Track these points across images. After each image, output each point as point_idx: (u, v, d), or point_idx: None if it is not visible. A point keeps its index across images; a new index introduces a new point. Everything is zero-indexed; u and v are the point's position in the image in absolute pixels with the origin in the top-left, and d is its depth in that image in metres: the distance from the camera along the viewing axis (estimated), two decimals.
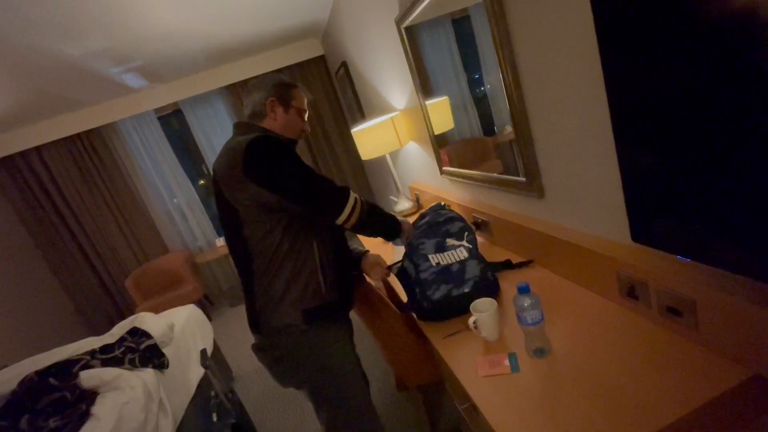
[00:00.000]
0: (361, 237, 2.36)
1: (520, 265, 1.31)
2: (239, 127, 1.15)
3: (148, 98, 3.60)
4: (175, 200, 4.00)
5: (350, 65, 3.16)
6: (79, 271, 3.77)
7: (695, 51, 0.54)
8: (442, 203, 1.52)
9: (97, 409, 1.45)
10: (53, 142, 3.49)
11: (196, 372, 2.07)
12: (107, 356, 1.75)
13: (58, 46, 2.14)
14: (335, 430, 1.19)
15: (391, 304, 1.32)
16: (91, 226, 3.71)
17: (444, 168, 1.89)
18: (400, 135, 2.20)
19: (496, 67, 1.15)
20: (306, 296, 1.09)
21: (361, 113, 3.38)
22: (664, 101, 0.61)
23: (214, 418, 1.60)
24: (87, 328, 3.85)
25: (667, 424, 0.65)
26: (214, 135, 3.90)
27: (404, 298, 1.30)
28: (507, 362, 0.89)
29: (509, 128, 1.25)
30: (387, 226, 1.24)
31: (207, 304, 3.96)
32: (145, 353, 1.78)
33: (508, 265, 1.32)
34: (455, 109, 1.65)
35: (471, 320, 0.99)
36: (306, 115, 1.24)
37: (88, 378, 1.57)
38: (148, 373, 1.68)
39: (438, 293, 1.10)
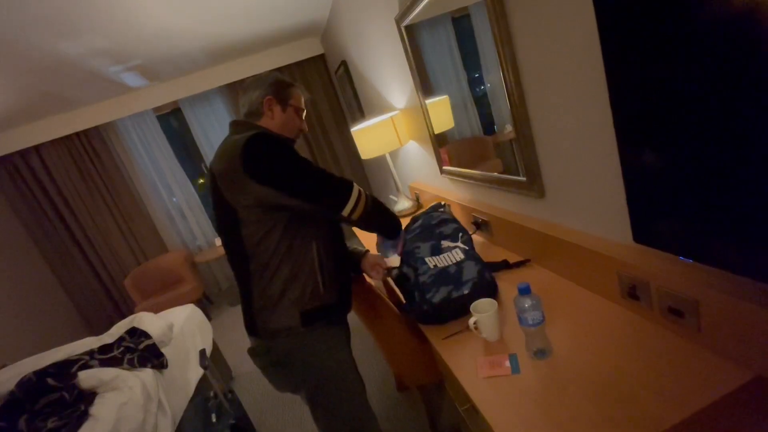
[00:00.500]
0: (360, 236, 2.35)
1: (517, 264, 1.30)
2: (236, 126, 1.13)
3: (147, 97, 3.59)
4: (174, 199, 3.99)
5: (350, 64, 3.15)
6: (78, 271, 3.77)
7: (699, 49, 0.54)
8: (442, 203, 1.52)
9: (95, 409, 1.45)
10: (52, 141, 3.48)
11: (195, 372, 2.07)
12: (106, 356, 1.75)
13: (57, 45, 2.13)
14: None
15: (391, 304, 1.31)
16: (90, 226, 3.70)
17: (444, 167, 1.89)
18: (399, 134, 2.19)
19: (497, 66, 1.15)
20: (304, 298, 1.07)
21: (360, 112, 3.37)
22: (666, 99, 0.61)
23: (213, 419, 1.60)
24: (86, 328, 3.84)
25: (669, 426, 0.64)
26: (214, 134, 3.90)
27: (403, 300, 1.29)
28: (508, 363, 0.89)
29: (509, 127, 1.24)
30: (390, 222, 1.22)
31: (206, 304, 3.96)
32: (144, 353, 1.78)
33: (505, 265, 1.31)
34: (455, 108, 1.64)
35: (471, 321, 0.98)
36: (304, 114, 1.22)
37: (86, 378, 1.57)
38: (147, 374, 1.68)
39: (438, 296, 1.09)
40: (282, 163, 1.01)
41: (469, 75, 1.46)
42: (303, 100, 1.22)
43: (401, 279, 1.21)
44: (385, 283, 1.75)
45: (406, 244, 1.27)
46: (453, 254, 1.18)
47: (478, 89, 1.45)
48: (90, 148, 3.59)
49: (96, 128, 3.57)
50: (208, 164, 3.92)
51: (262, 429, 2.03)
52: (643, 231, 0.75)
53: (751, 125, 0.51)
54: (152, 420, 1.53)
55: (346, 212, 1.06)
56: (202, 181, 4.33)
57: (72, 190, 3.61)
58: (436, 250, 1.20)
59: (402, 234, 1.28)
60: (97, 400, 1.50)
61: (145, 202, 3.85)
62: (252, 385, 2.44)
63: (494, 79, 1.25)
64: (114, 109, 3.54)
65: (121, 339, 1.87)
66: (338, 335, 1.17)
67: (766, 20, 0.45)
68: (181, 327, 2.17)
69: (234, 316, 3.60)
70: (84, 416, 1.42)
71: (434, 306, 1.09)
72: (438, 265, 1.15)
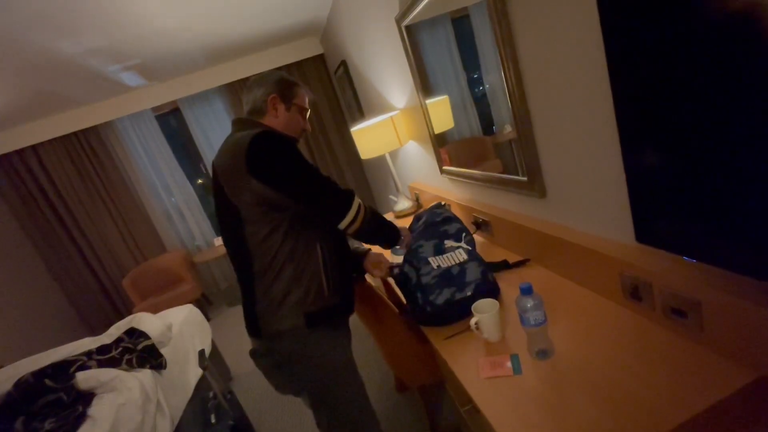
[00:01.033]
0: None
1: (517, 264, 1.30)
2: (238, 124, 1.12)
3: (146, 97, 3.58)
4: (173, 199, 3.98)
5: (350, 64, 3.14)
6: (76, 271, 3.75)
7: (702, 48, 0.53)
8: (442, 202, 1.52)
9: (93, 410, 1.44)
10: (50, 141, 3.46)
11: (194, 372, 2.06)
12: (104, 357, 1.74)
13: (56, 44, 2.12)
14: None
15: (391, 304, 1.31)
16: (89, 225, 3.68)
17: (444, 167, 1.88)
18: (399, 134, 2.19)
19: (496, 67, 1.14)
20: (308, 299, 1.07)
21: (360, 112, 3.37)
22: (669, 98, 0.60)
23: (213, 419, 1.59)
24: (84, 329, 3.82)
25: (672, 427, 0.64)
26: (213, 134, 3.89)
27: (404, 301, 1.28)
28: (509, 364, 0.88)
29: (509, 127, 1.24)
30: (387, 235, 1.23)
31: (205, 304, 3.94)
32: (143, 354, 1.77)
33: (505, 265, 1.31)
34: (455, 109, 1.64)
35: (473, 321, 0.98)
36: (307, 114, 1.22)
37: (84, 379, 1.56)
38: (146, 374, 1.67)
39: (441, 297, 1.08)
40: (285, 163, 1.00)
41: (469, 75, 1.45)
42: (307, 99, 1.21)
43: (403, 279, 1.20)
44: (385, 284, 1.75)
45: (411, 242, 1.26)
46: (456, 254, 1.17)
47: (477, 90, 1.45)
48: (88, 148, 3.58)
49: (94, 128, 3.56)
50: (207, 164, 3.93)
51: (262, 430, 2.02)
52: (646, 231, 0.75)
53: (755, 124, 0.51)
54: (151, 421, 1.52)
55: (343, 225, 1.06)
56: (200, 181, 4.32)
57: (70, 190, 3.59)
58: (440, 250, 1.19)
59: (407, 235, 1.28)
60: (95, 401, 1.49)
61: (143, 202, 3.84)
62: (251, 385, 2.43)
63: (494, 80, 1.24)
64: (113, 109, 3.53)
65: (119, 339, 1.86)
66: (340, 337, 1.16)
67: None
68: (179, 327, 2.16)
69: (233, 317, 3.59)
70: (82, 417, 1.41)
71: (437, 308, 1.08)
72: (441, 265, 1.14)
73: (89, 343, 1.91)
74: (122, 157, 3.72)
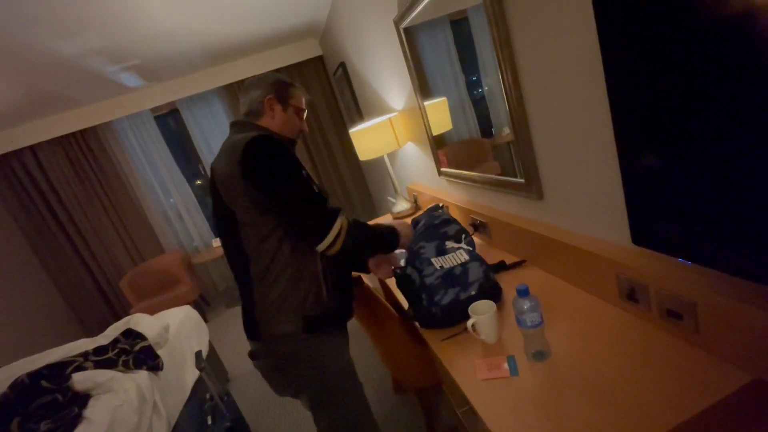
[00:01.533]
0: None
1: (514, 265, 1.30)
2: (236, 126, 1.12)
3: (144, 97, 3.58)
4: (171, 200, 3.97)
5: (348, 66, 3.15)
6: (73, 272, 3.74)
7: (698, 51, 0.54)
8: (440, 204, 1.52)
9: (89, 411, 1.44)
10: (48, 141, 3.45)
11: (191, 374, 2.06)
12: (101, 358, 1.73)
13: (54, 44, 2.12)
14: None
15: (390, 307, 1.31)
16: (86, 226, 3.67)
17: (442, 169, 1.89)
18: (398, 136, 2.19)
19: (495, 69, 1.15)
20: (307, 303, 1.06)
21: (359, 114, 3.37)
22: (665, 101, 0.61)
23: (209, 421, 1.58)
24: (80, 330, 3.81)
25: (668, 428, 0.64)
26: (211, 135, 3.88)
27: (404, 304, 1.28)
28: (506, 365, 0.88)
29: (507, 130, 1.24)
30: (379, 247, 1.20)
31: (203, 305, 3.93)
32: (139, 355, 1.77)
33: (502, 266, 1.31)
34: (453, 111, 1.64)
35: (470, 323, 0.98)
36: (304, 115, 1.22)
37: (80, 380, 1.55)
38: (142, 375, 1.67)
39: (446, 298, 1.08)
40: (275, 169, 0.99)
41: (467, 78, 1.46)
42: (303, 100, 1.21)
43: (404, 281, 1.19)
44: (383, 285, 1.75)
45: (412, 244, 1.26)
46: (458, 255, 1.17)
47: (475, 92, 1.45)
48: (86, 149, 3.57)
49: (93, 128, 3.55)
50: (205, 165, 3.93)
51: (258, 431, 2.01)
52: (642, 233, 0.75)
53: (750, 127, 0.51)
54: (147, 422, 1.51)
55: (320, 248, 1.02)
56: (199, 182, 4.32)
57: (68, 191, 3.58)
58: (441, 251, 1.19)
59: (407, 231, 1.27)
60: (91, 403, 1.48)
61: (141, 203, 3.83)
62: (248, 387, 2.43)
63: (492, 82, 1.25)
64: (111, 110, 3.53)
65: (116, 341, 1.85)
66: (339, 340, 1.15)
67: (766, 23, 0.45)
68: (177, 328, 2.15)
69: (231, 318, 3.58)
70: (78, 418, 1.40)
71: (443, 308, 1.07)
72: (444, 266, 1.14)
73: (86, 344, 1.90)
74: (120, 158, 3.72)
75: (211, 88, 3.72)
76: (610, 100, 0.70)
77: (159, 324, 2.00)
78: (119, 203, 3.73)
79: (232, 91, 3.79)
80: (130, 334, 1.88)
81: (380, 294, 1.34)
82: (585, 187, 0.99)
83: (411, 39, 1.74)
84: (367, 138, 2.21)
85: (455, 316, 1.07)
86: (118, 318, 3.62)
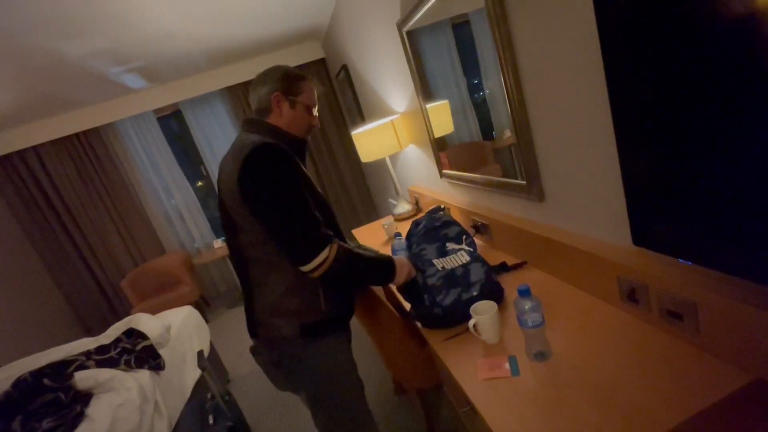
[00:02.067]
0: (356, 235, 2.36)
1: (515, 267, 1.31)
2: (246, 124, 1.11)
3: (147, 99, 3.60)
4: (173, 201, 3.98)
5: (351, 68, 3.16)
6: (75, 272, 3.75)
7: (697, 54, 0.55)
8: (441, 206, 1.53)
9: (91, 410, 1.44)
10: (51, 142, 3.47)
11: (192, 374, 2.06)
12: (102, 357, 1.74)
13: (58, 45, 2.14)
14: None
15: (391, 307, 1.31)
16: (88, 226, 3.69)
17: (444, 171, 1.90)
18: (400, 138, 2.21)
19: (496, 72, 1.16)
20: (304, 310, 1.06)
21: (361, 116, 3.39)
22: (665, 103, 0.61)
23: (210, 421, 1.59)
24: (82, 329, 3.81)
25: (668, 428, 0.64)
26: (214, 136, 3.90)
27: (405, 304, 1.28)
28: (507, 365, 0.89)
29: (508, 133, 1.25)
30: (369, 281, 1.16)
31: (204, 306, 3.94)
32: (141, 354, 1.77)
33: (504, 267, 1.31)
34: (454, 114, 1.65)
35: (471, 323, 0.98)
36: (315, 110, 1.16)
37: (82, 379, 1.56)
38: (144, 375, 1.67)
39: (448, 298, 1.08)
40: (270, 189, 0.96)
41: (469, 81, 1.47)
42: (314, 94, 1.15)
43: (407, 283, 1.20)
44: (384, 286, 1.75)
45: (412, 246, 1.27)
46: (459, 256, 1.17)
47: (477, 95, 1.46)
48: (89, 149, 3.59)
49: (96, 129, 3.57)
50: (207, 166, 3.95)
51: (259, 431, 2.01)
52: (643, 234, 0.76)
53: (750, 129, 0.52)
54: (148, 421, 1.52)
55: (303, 270, 0.99)
56: (201, 183, 4.33)
57: (70, 191, 3.60)
58: (442, 252, 1.20)
59: (406, 267, 1.20)
60: (93, 401, 1.49)
61: (143, 204, 3.84)
62: (249, 387, 2.43)
63: (493, 86, 1.26)
64: (114, 110, 3.55)
65: (118, 340, 1.86)
66: (339, 342, 1.15)
67: (766, 25, 0.46)
68: (178, 328, 2.16)
69: (232, 319, 3.58)
70: (80, 417, 1.41)
71: (445, 309, 1.08)
72: (445, 267, 1.15)
73: (88, 343, 1.91)
74: (123, 159, 3.74)
75: (213, 89, 3.74)
76: (611, 101, 0.71)
77: (161, 324, 2.01)
78: (121, 204, 3.74)
79: (235, 92, 3.81)
80: (132, 334, 1.89)
81: (381, 294, 1.35)
82: (586, 188, 1.00)
83: (413, 42, 1.75)
84: (369, 140, 2.22)
85: (457, 317, 1.07)
86: (118, 318, 3.62)
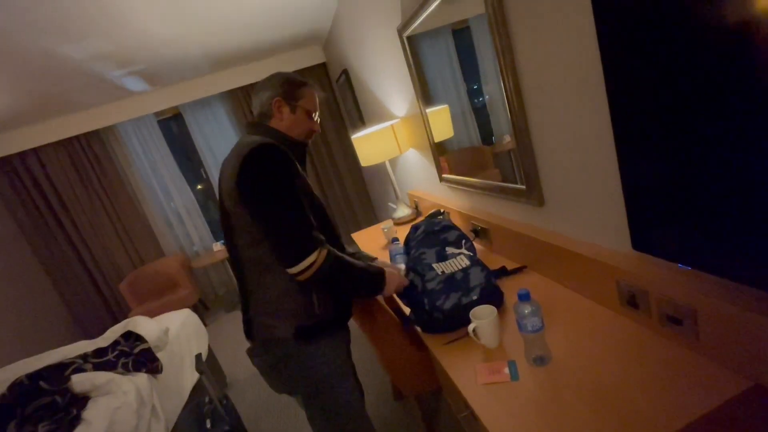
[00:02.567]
0: (356, 238, 2.36)
1: (514, 271, 1.30)
2: (249, 127, 1.14)
3: (148, 102, 3.61)
4: (172, 204, 3.98)
5: (351, 73, 3.18)
6: (73, 274, 3.74)
7: (697, 60, 0.55)
8: (441, 210, 1.53)
9: (88, 413, 1.43)
10: (51, 144, 3.48)
11: (190, 377, 2.05)
12: (100, 360, 1.73)
13: (60, 48, 2.15)
14: None
15: (390, 311, 1.31)
16: (87, 229, 3.68)
17: (444, 175, 1.90)
18: (399, 142, 2.21)
19: (496, 78, 1.16)
20: (298, 312, 1.06)
21: (361, 120, 3.40)
22: (665, 109, 0.62)
23: (208, 425, 1.58)
24: (80, 332, 3.79)
25: None
26: (214, 139, 3.91)
27: (405, 310, 1.28)
28: (507, 370, 0.89)
29: (508, 138, 1.26)
30: (356, 290, 1.13)
31: (202, 309, 3.92)
32: (139, 358, 1.76)
33: (503, 272, 1.31)
34: (454, 119, 1.66)
35: (470, 327, 0.98)
36: (316, 115, 1.18)
37: (79, 382, 1.55)
38: (142, 378, 1.66)
39: (448, 302, 1.08)
40: (265, 187, 0.97)
41: (469, 86, 1.48)
42: (315, 100, 1.17)
43: (406, 287, 1.19)
44: None
45: (412, 251, 1.27)
46: (458, 260, 1.17)
47: (477, 100, 1.47)
48: (90, 152, 3.59)
49: (96, 132, 3.58)
50: (207, 170, 3.95)
51: None
52: (643, 239, 0.76)
53: (750, 134, 0.52)
54: (145, 425, 1.51)
55: (291, 272, 0.99)
56: (201, 186, 4.33)
57: (70, 193, 3.59)
58: (442, 257, 1.20)
59: (396, 277, 1.19)
60: (90, 405, 1.48)
61: (143, 207, 3.84)
62: (247, 391, 2.41)
63: (493, 91, 1.27)
64: (115, 113, 3.56)
65: (115, 343, 1.85)
66: (335, 343, 1.15)
67: (765, 28, 0.46)
68: (176, 332, 2.15)
69: (230, 323, 3.57)
70: (76, 420, 1.40)
71: (445, 313, 1.07)
72: (445, 271, 1.15)
73: (85, 346, 1.90)
74: (123, 162, 3.74)
75: (214, 93, 3.75)
76: (610, 106, 0.72)
77: (159, 327, 2.00)
78: (121, 206, 3.74)
79: (236, 96, 3.82)
80: (130, 337, 1.88)
81: (380, 298, 1.35)
82: (585, 192, 1.00)
83: (414, 47, 1.76)
84: (369, 144, 2.23)
85: (457, 321, 1.07)
86: (116, 321, 3.61)
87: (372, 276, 1.12)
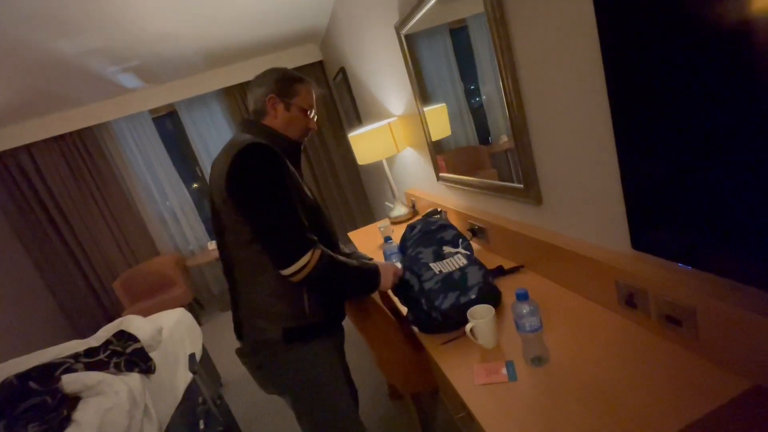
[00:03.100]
0: (352, 237, 2.34)
1: (511, 270, 1.30)
2: (241, 125, 1.11)
3: (143, 99, 3.57)
4: (167, 202, 3.95)
5: (348, 71, 3.16)
6: (66, 272, 3.69)
7: (699, 58, 0.54)
8: (438, 209, 1.52)
9: (78, 414, 1.41)
10: (44, 141, 3.43)
11: (184, 377, 2.03)
12: (91, 360, 1.70)
13: (54, 43, 2.11)
14: None
15: (386, 310, 1.30)
16: (80, 226, 3.64)
17: (441, 174, 1.89)
18: (397, 140, 2.20)
19: (494, 77, 1.16)
20: (287, 313, 1.05)
21: (358, 119, 3.39)
22: (666, 108, 0.61)
23: (201, 425, 1.56)
24: (72, 331, 3.75)
25: None
26: (209, 137, 3.88)
27: (402, 309, 1.27)
28: (504, 370, 0.88)
29: (505, 137, 1.25)
30: (352, 291, 1.12)
31: (197, 309, 3.89)
32: (131, 357, 1.74)
33: (500, 271, 1.31)
34: (452, 117, 1.65)
35: (468, 327, 0.97)
36: (312, 113, 1.14)
37: (70, 382, 1.52)
38: (134, 378, 1.64)
39: (447, 302, 1.07)
40: (256, 188, 0.95)
41: (466, 86, 1.47)
42: (312, 97, 1.14)
43: (403, 286, 1.18)
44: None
45: (408, 250, 1.25)
46: (456, 260, 1.16)
47: (474, 100, 1.46)
48: (83, 149, 3.55)
49: (90, 128, 3.53)
50: (203, 168, 3.92)
51: None
52: (642, 238, 0.76)
53: (751, 133, 0.52)
54: (137, 426, 1.48)
55: (284, 273, 0.98)
56: (196, 185, 4.30)
57: (63, 190, 3.55)
58: (439, 256, 1.18)
59: (391, 272, 1.18)
60: (81, 405, 1.45)
61: (137, 205, 3.80)
62: (241, 392, 2.39)
63: (490, 90, 1.26)
64: (109, 110, 3.52)
65: (107, 342, 1.82)
66: (324, 345, 1.13)
67: (765, 28, 0.46)
68: (170, 331, 2.12)
69: (225, 322, 3.55)
70: (66, 421, 1.37)
71: (443, 313, 1.06)
72: (442, 270, 1.13)
73: (76, 345, 1.87)
74: (117, 159, 3.70)
75: (210, 90, 3.72)
76: (610, 105, 0.71)
77: (152, 326, 1.98)
78: (114, 204, 3.70)
79: (231, 93, 3.79)
80: (123, 336, 1.85)
81: (376, 296, 1.33)
82: (584, 192, 0.99)
83: (411, 45, 1.75)
84: (366, 142, 2.22)
85: (455, 321, 1.06)
86: (110, 320, 3.56)
87: (367, 274, 1.10)
